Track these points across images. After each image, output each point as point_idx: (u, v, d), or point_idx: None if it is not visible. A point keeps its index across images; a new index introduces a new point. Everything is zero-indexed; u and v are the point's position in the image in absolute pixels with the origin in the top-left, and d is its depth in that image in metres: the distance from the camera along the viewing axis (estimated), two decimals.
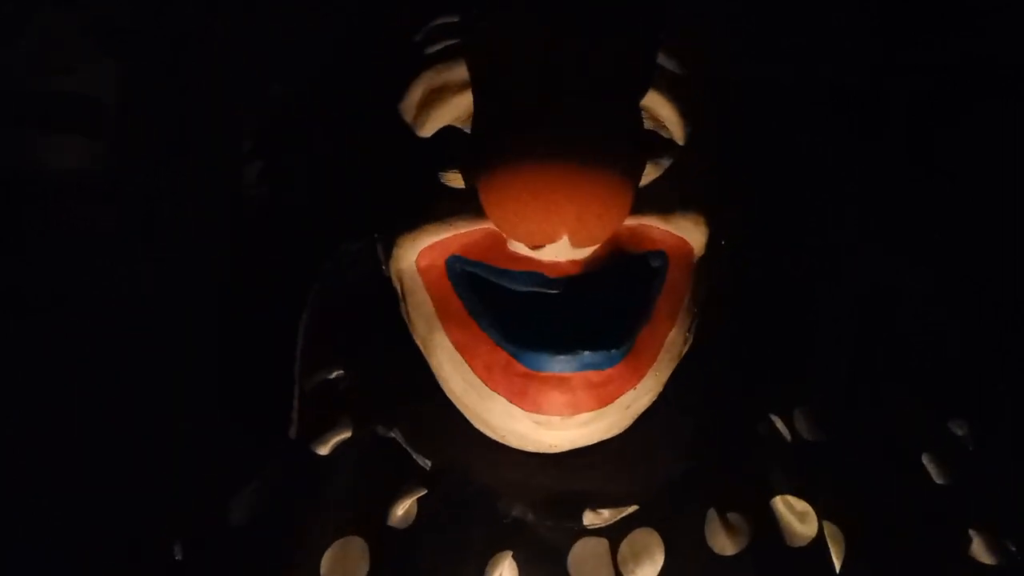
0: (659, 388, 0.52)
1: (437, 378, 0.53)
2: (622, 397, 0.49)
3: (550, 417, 0.48)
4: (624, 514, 0.53)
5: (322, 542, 0.53)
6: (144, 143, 0.97)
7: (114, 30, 0.94)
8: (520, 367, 0.48)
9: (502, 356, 0.48)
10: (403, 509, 0.53)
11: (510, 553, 0.51)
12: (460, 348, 0.50)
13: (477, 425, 0.53)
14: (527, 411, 0.48)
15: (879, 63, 0.88)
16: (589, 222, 0.45)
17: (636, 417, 0.52)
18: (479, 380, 0.49)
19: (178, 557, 0.56)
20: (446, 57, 0.50)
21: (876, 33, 0.90)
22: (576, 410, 0.48)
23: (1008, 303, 0.76)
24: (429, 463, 0.54)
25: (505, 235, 0.48)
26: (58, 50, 0.91)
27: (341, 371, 0.59)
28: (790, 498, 0.54)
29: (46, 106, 0.91)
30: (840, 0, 0.91)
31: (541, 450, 0.52)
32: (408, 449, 0.55)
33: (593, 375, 0.47)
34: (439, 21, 0.51)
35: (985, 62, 0.88)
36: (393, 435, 0.56)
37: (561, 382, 0.47)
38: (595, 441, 0.52)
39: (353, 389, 0.58)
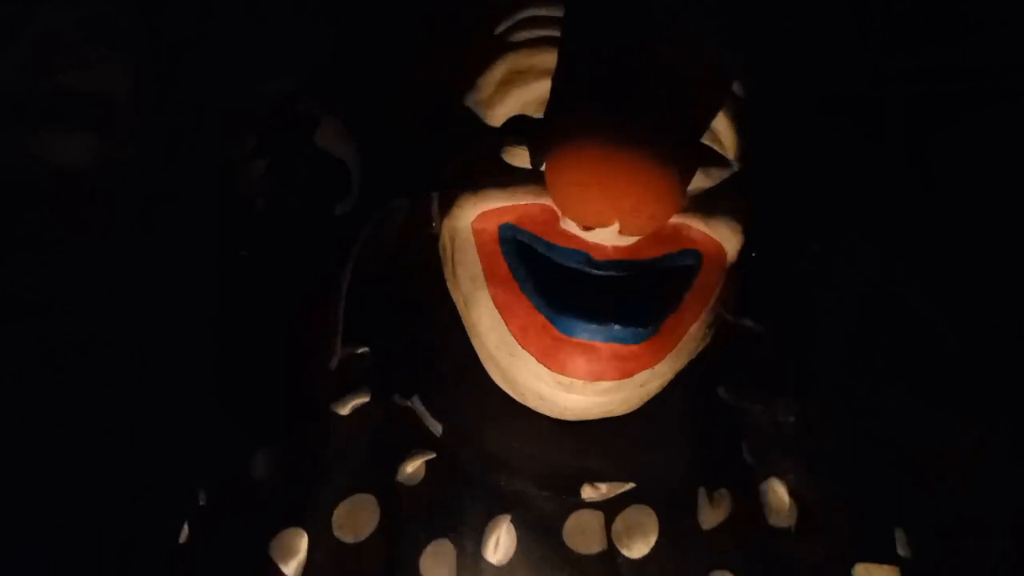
0: (672, 375, 0.56)
1: (472, 334, 0.57)
2: (640, 374, 0.54)
3: (573, 380, 0.53)
4: (621, 491, 0.57)
5: (335, 496, 0.58)
6: (144, 143, 0.96)
7: (115, 29, 0.93)
8: (554, 331, 0.53)
9: (538, 319, 0.53)
10: (412, 468, 0.58)
11: (508, 517, 0.56)
12: (500, 307, 0.55)
13: (500, 383, 0.57)
14: (553, 371, 0.53)
15: (876, 69, 0.89)
16: (641, 214, 0.50)
17: (647, 399, 0.56)
18: (513, 338, 0.54)
19: (202, 503, 0.61)
20: (533, 44, 0.55)
21: (873, 39, 0.91)
22: (599, 377, 0.53)
23: (1006, 306, 0.77)
24: (440, 430, 0.59)
25: (561, 212, 0.53)
26: (58, 49, 0.90)
27: (367, 348, 0.64)
28: (779, 481, 0.59)
29: (47, 106, 0.90)
30: (838, 6, 0.92)
31: (555, 413, 0.56)
32: (422, 418, 0.60)
33: (620, 348, 0.52)
34: (528, 13, 0.56)
35: (982, 68, 0.89)
36: (409, 404, 0.60)
37: (589, 349, 0.52)
38: (606, 414, 0.56)
39: (377, 364, 0.63)
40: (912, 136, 0.88)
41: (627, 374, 0.53)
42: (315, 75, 1.04)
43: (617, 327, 0.52)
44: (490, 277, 0.55)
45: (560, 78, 0.54)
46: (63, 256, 0.91)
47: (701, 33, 0.55)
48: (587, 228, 0.52)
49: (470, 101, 0.58)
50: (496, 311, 0.55)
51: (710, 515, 0.58)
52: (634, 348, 0.53)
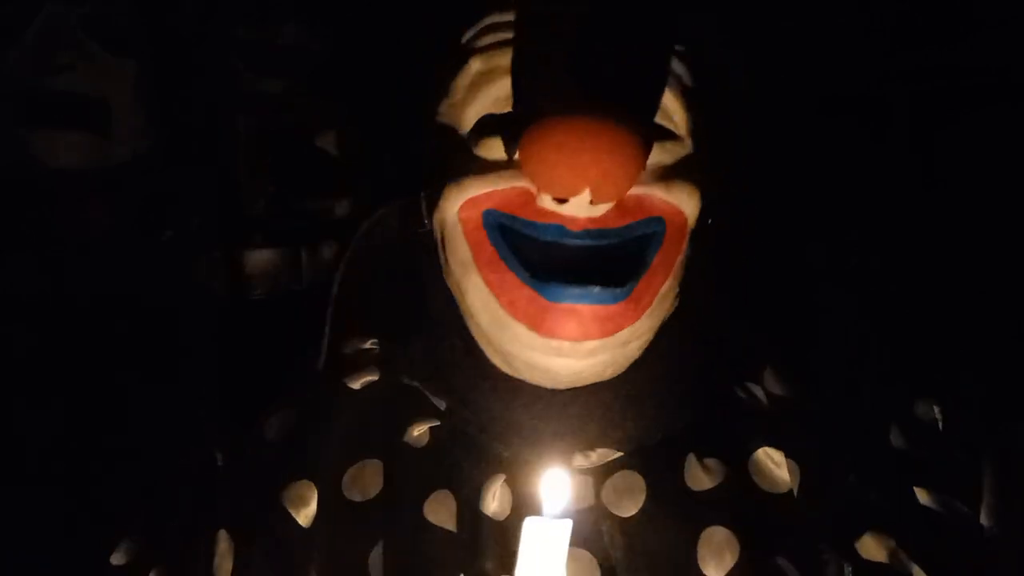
0: (651, 334, 0.61)
1: (467, 316, 0.62)
2: (621, 332, 0.58)
3: (562, 342, 0.57)
4: (610, 459, 0.61)
5: (344, 460, 0.63)
6: (144, 143, 0.96)
7: (115, 29, 0.93)
8: (541, 300, 0.57)
9: (526, 291, 0.58)
10: (418, 431, 0.63)
11: (503, 477, 0.61)
12: (490, 286, 0.59)
13: (497, 361, 0.62)
14: (543, 336, 0.57)
15: (879, 68, 0.89)
16: (608, 181, 0.55)
17: (630, 361, 0.61)
18: (504, 312, 0.59)
19: (219, 463, 0.65)
20: (496, 47, 0.61)
21: (878, 39, 0.91)
22: (585, 337, 0.57)
23: (1005, 301, 0.77)
24: (444, 404, 0.64)
25: (536, 187, 0.57)
26: (59, 49, 0.90)
27: (375, 340, 0.69)
28: (770, 450, 0.62)
29: (47, 106, 0.90)
30: (843, 6, 0.92)
31: (547, 381, 0.60)
32: (427, 393, 0.64)
33: (600, 309, 0.57)
34: (489, 21, 0.62)
35: (984, 67, 0.89)
36: (416, 384, 0.65)
37: (574, 312, 0.57)
38: (596, 377, 0.60)
39: (384, 352, 0.68)
40: (915, 134, 0.88)
41: (609, 332, 0.58)
42: (316, 75, 1.04)
43: (597, 289, 0.56)
44: (478, 260, 0.60)
45: (521, 70, 0.60)
46: (63, 256, 0.91)
47: (638, 20, 0.61)
48: (561, 201, 0.57)
49: (444, 106, 0.63)
50: (487, 289, 0.59)
51: (701, 479, 0.61)
52: (613, 308, 0.57)
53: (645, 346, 0.61)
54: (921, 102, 0.90)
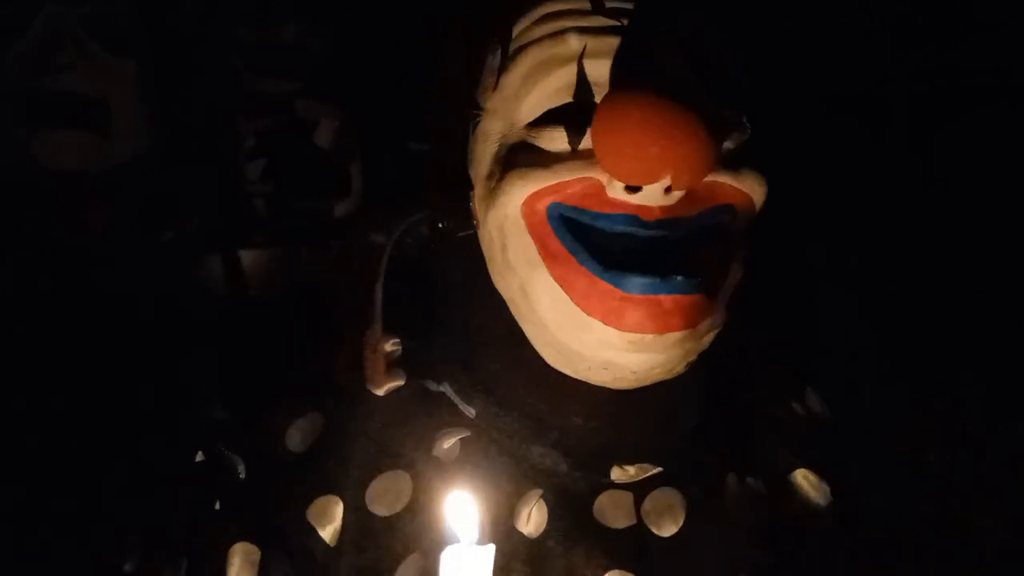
0: (721, 325, 0.59)
1: (530, 318, 0.59)
2: (702, 324, 0.56)
3: (643, 336, 0.55)
4: (649, 474, 0.59)
5: (369, 472, 0.61)
6: (144, 143, 0.96)
7: (116, 29, 0.93)
8: (618, 292, 0.54)
9: (600, 285, 0.55)
10: (448, 444, 0.61)
11: (540, 492, 0.58)
12: (560, 281, 0.56)
13: (558, 364, 0.59)
14: (623, 331, 0.55)
15: (881, 68, 0.89)
16: (689, 167, 0.52)
17: (700, 353, 0.59)
18: (578, 309, 0.56)
19: (241, 476, 0.63)
20: (551, 36, 0.58)
21: (878, 39, 0.90)
22: (667, 328, 0.55)
23: (1005, 301, 0.77)
24: (473, 413, 0.61)
25: (612, 173, 0.54)
26: (59, 49, 0.90)
27: (396, 341, 0.66)
28: (808, 472, 0.61)
29: (47, 106, 0.90)
30: (843, 6, 0.92)
31: (617, 381, 0.58)
32: (455, 401, 0.62)
33: (681, 298, 0.54)
34: (544, 10, 0.59)
35: (985, 67, 0.89)
36: (443, 389, 0.63)
37: (653, 304, 0.54)
38: (668, 374, 0.58)
39: (411, 353, 0.65)
40: (915, 134, 0.88)
41: (692, 323, 0.55)
42: (316, 75, 1.04)
43: (679, 278, 0.54)
44: (546, 256, 0.57)
45: (585, 58, 0.57)
46: (63, 256, 0.91)
47: (706, 22, 0.59)
48: (633, 190, 0.54)
49: (495, 102, 0.60)
50: (557, 286, 0.56)
51: (740, 500, 0.59)
52: (694, 297, 0.55)
53: (714, 336, 0.59)
54: (921, 102, 0.90)
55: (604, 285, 0.55)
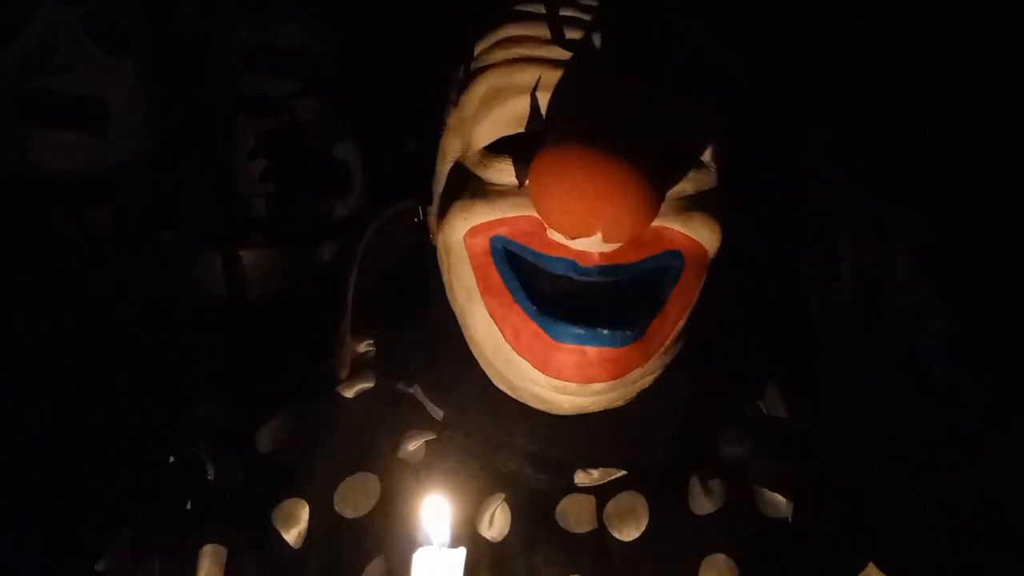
0: (663, 370, 0.59)
1: (470, 342, 0.60)
2: (631, 373, 0.56)
3: (567, 383, 0.55)
4: (612, 477, 0.59)
5: (337, 473, 0.61)
6: (145, 143, 0.96)
7: (116, 29, 0.93)
8: (546, 337, 0.55)
9: (531, 326, 0.55)
10: (413, 446, 0.61)
11: (503, 496, 0.58)
12: (494, 315, 0.57)
13: (500, 384, 0.60)
14: (548, 376, 0.55)
15: (882, 68, 0.89)
16: (622, 222, 0.52)
17: (639, 392, 0.59)
18: (508, 345, 0.56)
19: (210, 476, 0.63)
20: (511, 63, 0.58)
21: (878, 39, 0.90)
22: (590, 380, 0.55)
23: (1005, 301, 0.77)
24: (441, 415, 0.62)
25: (547, 225, 0.54)
26: (59, 49, 0.90)
27: (370, 343, 0.67)
28: (776, 472, 0.60)
29: (47, 106, 0.90)
30: (843, 6, 0.92)
31: (553, 411, 0.58)
32: (423, 402, 0.62)
33: (608, 352, 0.54)
34: (505, 34, 0.59)
35: (986, 67, 0.89)
36: (412, 391, 0.63)
37: (579, 354, 0.54)
38: (601, 408, 0.58)
39: (381, 356, 0.66)
40: (916, 134, 0.88)
41: (617, 375, 0.55)
42: (316, 76, 1.04)
43: (605, 332, 0.54)
44: (483, 288, 0.57)
45: (536, 92, 0.57)
46: (63, 256, 0.91)
47: (657, 57, 0.58)
48: (573, 238, 0.54)
49: (455, 119, 0.60)
50: (491, 320, 0.57)
51: (703, 503, 0.59)
52: (622, 350, 0.55)
53: (657, 378, 0.59)
54: (922, 102, 0.90)
55: (535, 327, 0.55)
